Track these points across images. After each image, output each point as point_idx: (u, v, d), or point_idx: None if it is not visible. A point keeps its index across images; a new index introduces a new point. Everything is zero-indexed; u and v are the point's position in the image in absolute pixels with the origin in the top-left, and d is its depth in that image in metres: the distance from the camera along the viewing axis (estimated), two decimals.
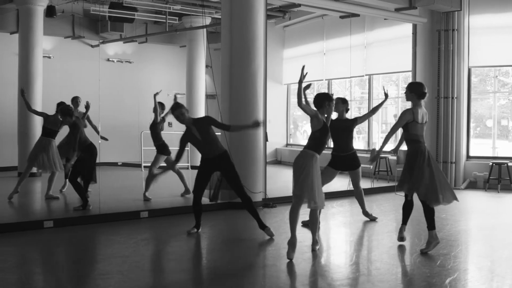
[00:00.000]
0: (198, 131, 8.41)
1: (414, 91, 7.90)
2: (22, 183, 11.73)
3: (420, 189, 7.55)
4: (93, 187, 11.80)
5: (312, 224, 7.67)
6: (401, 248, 7.94)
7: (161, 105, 11.81)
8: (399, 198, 8.31)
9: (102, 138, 11.71)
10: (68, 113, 10.95)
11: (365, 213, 9.78)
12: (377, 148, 8.11)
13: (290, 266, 7.06)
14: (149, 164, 11.85)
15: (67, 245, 8.48)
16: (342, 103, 9.51)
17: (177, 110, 8.43)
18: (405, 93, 8.09)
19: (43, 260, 7.58)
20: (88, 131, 11.48)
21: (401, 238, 8.03)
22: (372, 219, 9.74)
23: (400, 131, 8.12)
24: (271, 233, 8.40)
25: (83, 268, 7.06)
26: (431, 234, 7.66)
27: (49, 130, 11.61)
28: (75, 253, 8.05)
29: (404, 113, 7.84)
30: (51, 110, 11.77)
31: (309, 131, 7.75)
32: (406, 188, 7.74)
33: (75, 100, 12.10)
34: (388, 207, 8.79)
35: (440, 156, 14.56)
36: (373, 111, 10.00)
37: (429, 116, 14.56)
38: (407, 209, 8.04)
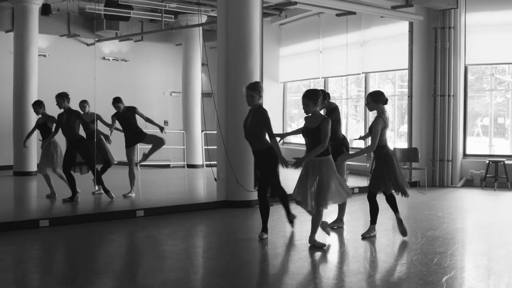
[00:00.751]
0: (251, 117, 8.25)
1: (379, 100, 8.16)
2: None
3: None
4: (89, 186, 11.78)
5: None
6: (398, 247, 7.93)
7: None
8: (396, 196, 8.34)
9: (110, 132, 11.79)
10: (64, 95, 11.15)
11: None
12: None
13: (287, 265, 7.04)
14: (145, 163, 11.86)
15: (63, 244, 8.46)
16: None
17: (251, 90, 8.25)
18: (367, 104, 8.32)
19: (39, 259, 7.55)
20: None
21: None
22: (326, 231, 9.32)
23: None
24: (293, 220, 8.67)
25: (78, 267, 7.03)
26: (373, 227, 8.39)
27: (49, 130, 11.60)
28: (70, 252, 8.02)
29: (377, 122, 8.06)
30: (47, 109, 11.76)
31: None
32: (384, 187, 8.23)
33: (82, 104, 12.15)
34: (385, 205, 8.78)
35: (437, 154, 14.56)
36: None
37: (426, 114, 14.67)
38: (391, 201, 8.37)
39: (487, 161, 14.08)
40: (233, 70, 11.16)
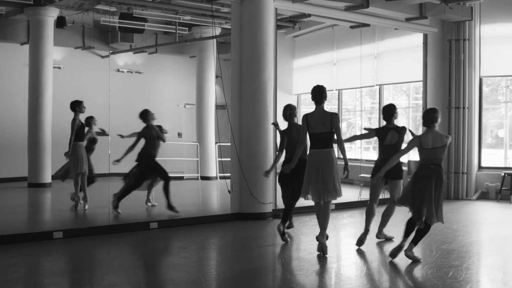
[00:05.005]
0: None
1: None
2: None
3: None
4: (103, 198, 11.79)
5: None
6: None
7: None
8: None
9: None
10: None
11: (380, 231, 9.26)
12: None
13: (301, 278, 7.00)
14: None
15: (76, 256, 8.46)
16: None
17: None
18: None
19: (52, 271, 7.55)
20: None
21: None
22: (388, 238, 9.21)
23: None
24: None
25: (92, 280, 7.03)
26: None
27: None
28: (84, 264, 8.02)
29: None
30: (61, 120, 11.87)
31: None
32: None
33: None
34: (399, 218, 8.75)
35: (452, 166, 14.46)
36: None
37: (441, 126, 14.47)
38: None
39: (503, 174, 13.98)
40: (247, 82, 11.17)
